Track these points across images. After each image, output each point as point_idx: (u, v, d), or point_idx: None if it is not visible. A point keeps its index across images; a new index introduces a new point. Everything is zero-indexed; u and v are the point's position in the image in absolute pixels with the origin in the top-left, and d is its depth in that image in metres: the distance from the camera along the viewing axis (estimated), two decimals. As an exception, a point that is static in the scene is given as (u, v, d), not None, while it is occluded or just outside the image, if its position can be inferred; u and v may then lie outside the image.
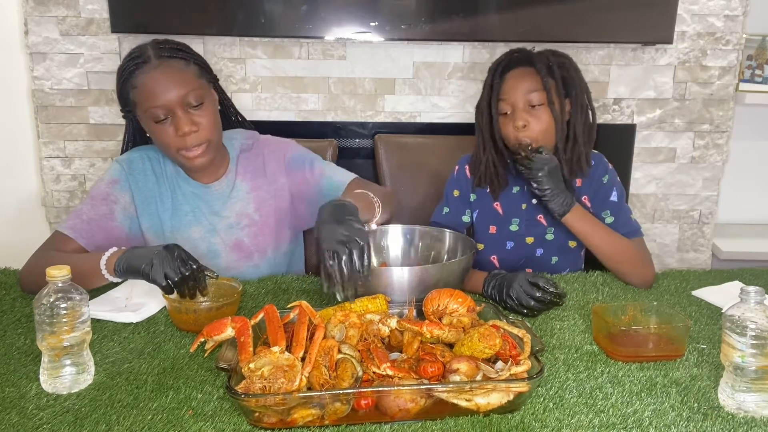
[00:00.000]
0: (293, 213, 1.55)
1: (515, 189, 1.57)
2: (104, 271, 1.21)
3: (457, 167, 1.63)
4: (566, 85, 1.47)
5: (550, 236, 1.54)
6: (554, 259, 1.56)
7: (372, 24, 2.15)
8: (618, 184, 1.53)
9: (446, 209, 1.62)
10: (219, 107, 1.45)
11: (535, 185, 1.39)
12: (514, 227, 1.56)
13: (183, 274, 1.14)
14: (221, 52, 2.23)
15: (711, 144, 2.45)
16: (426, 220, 1.63)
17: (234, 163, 1.51)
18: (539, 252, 1.56)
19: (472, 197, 1.60)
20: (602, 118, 2.39)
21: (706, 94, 2.40)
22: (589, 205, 1.52)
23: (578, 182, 1.52)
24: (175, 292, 1.14)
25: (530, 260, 1.56)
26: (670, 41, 2.28)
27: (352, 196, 1.34)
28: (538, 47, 1.53)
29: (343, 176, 1.52)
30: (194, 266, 1.15)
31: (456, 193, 1.61)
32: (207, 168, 1.45)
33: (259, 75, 2.26)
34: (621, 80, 2.36)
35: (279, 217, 1.53)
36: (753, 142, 2.61)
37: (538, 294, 1.22)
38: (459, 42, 2.25)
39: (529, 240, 1.55)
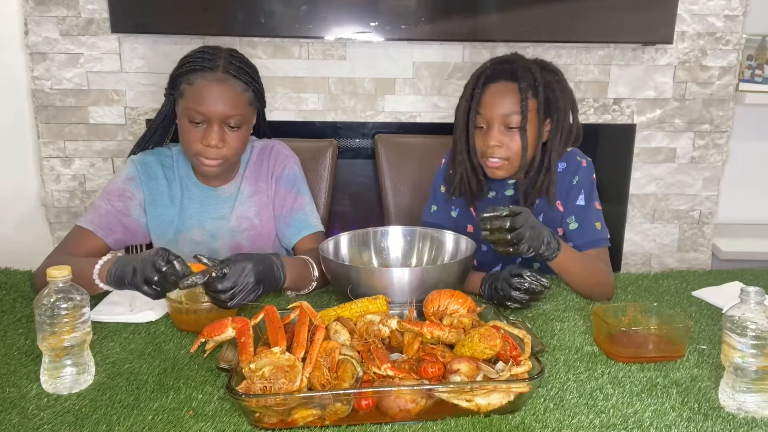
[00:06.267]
0: None
1: (491, 194, 1.52)
2: (97, 281, 1.20)
3: (444, 160, 1.60)
4: (549, 106, 1.39)
5: None
6: (536, 264, 1.50)
7: (372, 24, 2.15)
8: (588, 185, 1.44)
9: (434, 207, 1.59)
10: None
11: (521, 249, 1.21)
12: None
13: (160, 271, 1.10)
14: (221, 52, 2.23)
15: (711, 144, 2.45)
16: (426, 220, 1.63)
17: (243, 168, 1.54)
18: (517, 259, 1.51)
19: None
20: (602, 118, 2.39)
21: (706, 94, 2.40)
22: (561, 209, 1.46)
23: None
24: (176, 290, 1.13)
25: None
26: (670, 41, 2.28)
27: (293, 261, 1.30)
28: (532, 51, 1.47)
29: (316, 223, 1.54)
30: (171, 262, 1.11)
31: (443, 188, 1.58)
32: (217, 176, 1.48)
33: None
34: (621, 80, 2.36)
35: (276, 223, 1.55)
36: (753, 142, 2.61)
37: (515, 281, 1.21)
38: (459, 42, 2.25)
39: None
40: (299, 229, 1.52)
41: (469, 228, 1.56)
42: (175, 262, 1.10)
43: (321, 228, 1.55)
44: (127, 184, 1.46)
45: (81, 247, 1.38)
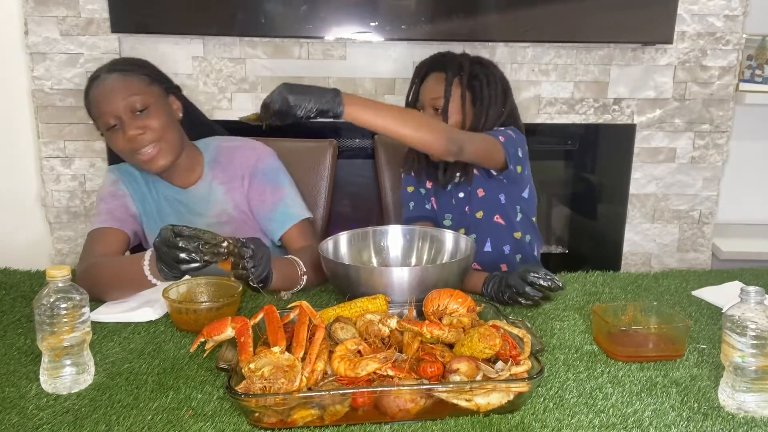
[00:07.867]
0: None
1: (448, 187, 1.62)
2: (150, 278, 1.22)
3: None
4: (474, 96, 1.54)
5: (480, 215, 1.59)
6: (487, 245, 1.59)
7: (372, 24, 2.15)
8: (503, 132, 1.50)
9: (412, 203, 1.68)
10: (182, 115, 1.51)
11: None
12: (447, 222, 1.64)
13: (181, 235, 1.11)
14: (221, 52, 2.23)
15: (711, 144, 2.45)
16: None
17: (208, 168, 1.54)
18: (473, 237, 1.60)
19: (422, 191, 1.69)
20: (602, 119, 2.39)
21: (706, 94, 2.40)
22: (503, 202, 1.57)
23: (475, 171, 1.55)
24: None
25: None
26: (670, 41, 2.28)
27: (283, 262, 1.31)
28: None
29: (299, 211, 1.53)
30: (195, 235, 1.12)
31: (410, 189, 1.69)
32: (170, 169, 1.47)
33: (259, 75, 2.26)
34: (621, 80, 2.36)
35: (259, 219, 1.56)
36: (753, 142, 2.61)
37: (531, 276, 1.22)
38: (459, 42, 2.25)
39: (461, 231, 1.58)
40: (282, 222, 1.51)
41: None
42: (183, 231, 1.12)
43: (306, 215, 1.53)
44: (114, 186, 1.52)
45: (106, 245, 1.43)
